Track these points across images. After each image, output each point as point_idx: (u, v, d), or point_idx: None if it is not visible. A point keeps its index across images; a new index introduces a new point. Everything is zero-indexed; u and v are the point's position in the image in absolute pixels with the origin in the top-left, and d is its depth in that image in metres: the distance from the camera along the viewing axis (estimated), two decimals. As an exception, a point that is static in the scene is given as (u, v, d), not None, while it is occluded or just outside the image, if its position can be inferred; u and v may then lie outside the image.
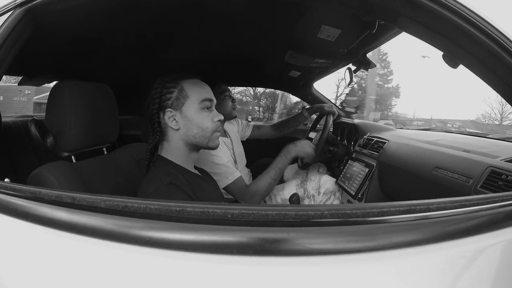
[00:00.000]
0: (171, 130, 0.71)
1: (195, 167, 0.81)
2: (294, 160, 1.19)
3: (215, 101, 0.75)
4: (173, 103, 0.70)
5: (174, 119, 0.70)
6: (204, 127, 0.71)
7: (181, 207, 0.35)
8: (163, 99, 0.70)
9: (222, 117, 0.74)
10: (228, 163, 1.14)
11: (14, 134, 1.27)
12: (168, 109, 0.69)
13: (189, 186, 0.67)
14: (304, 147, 1.10)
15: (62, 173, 0.66)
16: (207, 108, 0.72)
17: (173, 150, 0.72)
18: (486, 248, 0.36)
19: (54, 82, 0.89)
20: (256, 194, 1.06)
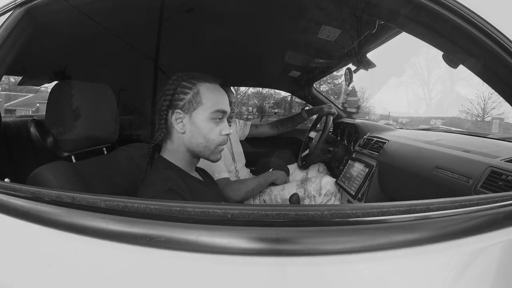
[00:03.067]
0: (176, 131, 0.67)
1: (197, 168, 0.80)
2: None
3: (228, 112, 0.70)
4: (184, 105, 0.65)
5: (182, 121, 0.66)
6: (210, 138, 0.67)
7: (181, 207, 0.35)
8: (175, 97, 0.66)
9: (230, 131, 0.70)
10: (220, 162, 1.14)
11: (14, 134, 1.27)
12: (178, 110, 0.65)
13: (189, 192, 0.65)
14: (282, 178, 1.31)
15: (62, 173, 0.66)
16: (219, 119, 0.68)
17: (175, 152, 0.69)
18: (486, 248, 0.36)
19: (54, 83, 0.90)
20: (240, 189, 1.12)
